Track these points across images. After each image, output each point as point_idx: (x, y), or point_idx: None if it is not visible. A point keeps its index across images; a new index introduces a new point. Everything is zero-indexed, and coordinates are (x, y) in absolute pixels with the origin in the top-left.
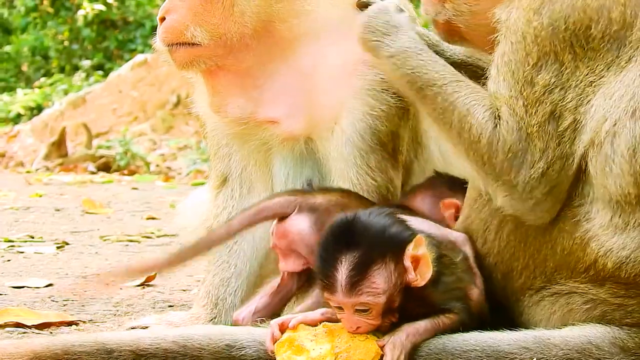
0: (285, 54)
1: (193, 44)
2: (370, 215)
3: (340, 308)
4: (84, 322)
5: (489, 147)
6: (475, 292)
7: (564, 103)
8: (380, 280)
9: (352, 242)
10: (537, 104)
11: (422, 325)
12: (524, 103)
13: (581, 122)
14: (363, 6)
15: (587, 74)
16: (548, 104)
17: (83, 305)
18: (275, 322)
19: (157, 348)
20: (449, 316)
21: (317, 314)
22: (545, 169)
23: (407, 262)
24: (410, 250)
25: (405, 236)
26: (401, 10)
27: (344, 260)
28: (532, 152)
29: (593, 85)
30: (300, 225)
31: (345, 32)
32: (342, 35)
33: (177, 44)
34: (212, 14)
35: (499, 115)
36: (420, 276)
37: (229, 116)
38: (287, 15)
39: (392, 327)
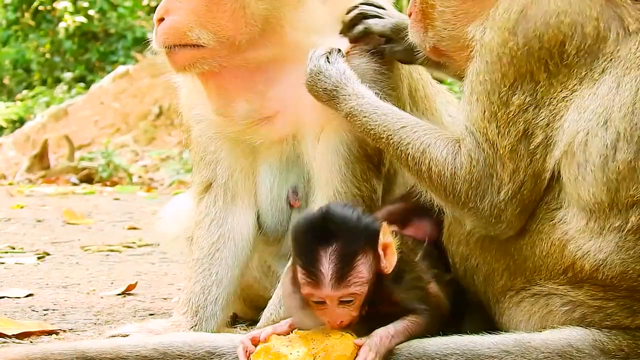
0: (285, 54)
1: (196, 46)
2: (343, 207)
3: (321, 303)
4: (65, 331)
5: (451, 179)
6: (434, 287)
7: (537, 121)
8: (364, 269)
9: (332, 235)
10: (511, 124)
11: (391, 328)
12: (497, 125)
13: (553, 137)
14: (347, 32)
15: (560, 90)
16: (521, 123)
17: (63, 315)
18: (246, 337)
19: (137, 356)
20: (415, 318)
21: (284, 324)
22: (515, 190)
23: (380, 250)
24: (381, 238)
25: (377, 225)
26: (331, 54)
27: (328, 253)
28: (500, 177)
29: (566, 100)
30: None
31: (340, 40)
32: (338, 42)
33: (178, 45)
34: (219, 15)
35: (458, 147)
36: (389, 263)
37: (236, 116)
38: (289, 17)
39: (367, 331)
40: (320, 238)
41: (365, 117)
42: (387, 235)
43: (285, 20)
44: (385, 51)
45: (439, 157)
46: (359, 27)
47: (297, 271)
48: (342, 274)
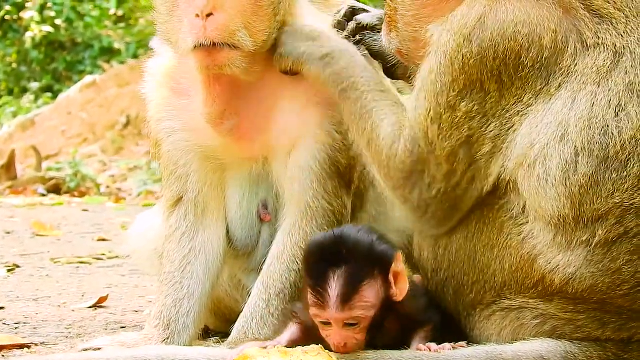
0: (273, 73)
1: (235, 47)
2: (358, 232)
3: (327, 324)
4: (36, 344)
5: (387, 161)
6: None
7: (484, 131)
8: (370, 294)
9: (342, 258)
10: (454, 129)
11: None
12: (439, 126)
13: (502, 149)
14: (341, 27)
15: (514, 103)
16: (466, 129)
17: (35, 328)
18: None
19: None
20: (429, 328)
21: (270, 342)
22: (449, 189)
23: (391, 277)
24: (393, 265)
25: (391, 252)
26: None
27: (336, 276)
28: (433, 174)
29: (520, 115)
30: None
31: None
32: None
33: (223, 44)
34: (260, 19)
35: (400, 134)
36: (400, 291)
37: (222, 128)
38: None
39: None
40: (330, 260)
41: (353, 62)
42: (400, 263)
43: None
44: (364, 39)
45: (384, 134)
46: (352, 24)
47: (306, 291)
48: (348, 297)
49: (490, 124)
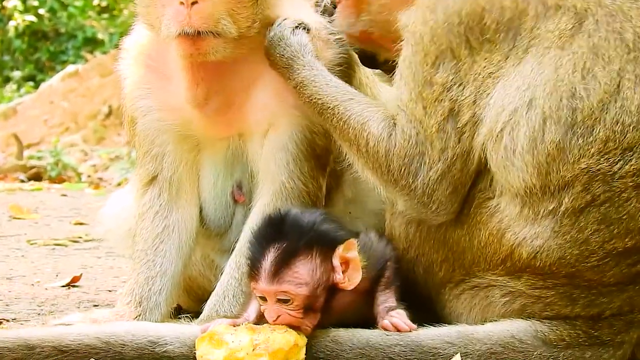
0: (257, 52)
1: (218, 34)
2: (304, 212)
3: (264, 299)
4: (8, 320)
5: (385, 155)
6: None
7: (463, 99)
8: (303, 271)
9: (281, 234)
10: (436, 103)
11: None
12: (423, 105)
13: (480, 115)
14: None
15: (485, 66)
16: (447, 101)
17: (7, 305)
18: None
19: (79, 344)
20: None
21: (240, 319)
22: (445, 169)
23: (336, 262)
24: (340, 250)
25: (336, 235)
26: (298, 27)
27: (271, 248)
28: (430, 154)
29: (492, 76)
30: None
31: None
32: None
33: (207, 32)
34: (243, 6)
35: (394, 123)
36: (349, 279)
37: (206, 109)
38: (278, 12)
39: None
40: (269, 235)
41: (315, 87)
42: (351, 251)
43: (273, 14)
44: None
45: (375, 132)
46: None
47: None
48: (276, 270)
49: (465, 91)
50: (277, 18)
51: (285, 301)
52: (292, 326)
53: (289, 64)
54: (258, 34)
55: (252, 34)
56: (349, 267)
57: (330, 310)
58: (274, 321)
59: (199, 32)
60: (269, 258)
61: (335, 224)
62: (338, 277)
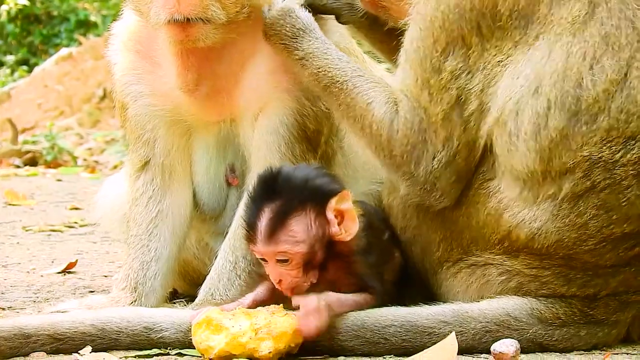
0: (247, 36)
1: (208, 20)
2: (295, 168)
3: (264, 260)
4: (3, 309)
5: (387, 139)
6: (389, 272)
7: (470, 87)
8: (299, 228)
9: (274, 192)
10: (443, 92)
11: (348, 297)
12: (429, 92)
13: (487, 104)
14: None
15: (495, 54)
16: (454, 89)
17: (3, 293)
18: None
19: (75, 332)
20: (369, 297)
21: (231, 305)
22: (450, 158)
23: (330, 215)
24: (333, 203)
25: (329, 188)
26: (303, 6)
27: (265, 209)
28: (434, 143)
29: (501, 65)
30: None
31: None
32: None
33: (196, 18)
34: None
35: (396, 110)
36: (346, 230)
37: (197, 94)
38: (259, 0)
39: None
40: (263, 196)
41: (327, 59)
42: (345, 202)
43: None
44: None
45: (378, 116)
46: None
47: None
48: (272, 230)
49: (474, 79)
50: (265, 4)
51: (284, 261)
52: (293, 288)
53: (300, 35)
54: (247, 19)
55: (241, 19)
56: (345, 219)
57: (327, 275)
58: (277, 284)
59: (188, 19)
60: (264, 219)
61: (328, 177)
62: (334, 229)
